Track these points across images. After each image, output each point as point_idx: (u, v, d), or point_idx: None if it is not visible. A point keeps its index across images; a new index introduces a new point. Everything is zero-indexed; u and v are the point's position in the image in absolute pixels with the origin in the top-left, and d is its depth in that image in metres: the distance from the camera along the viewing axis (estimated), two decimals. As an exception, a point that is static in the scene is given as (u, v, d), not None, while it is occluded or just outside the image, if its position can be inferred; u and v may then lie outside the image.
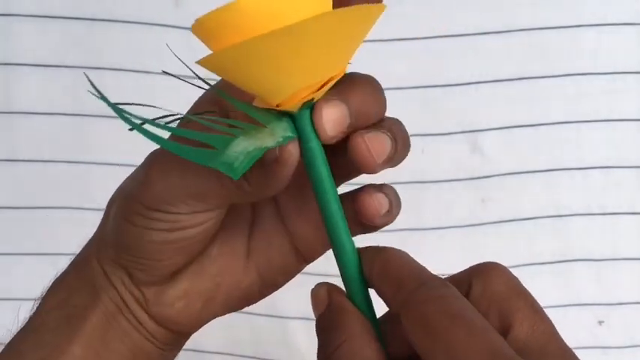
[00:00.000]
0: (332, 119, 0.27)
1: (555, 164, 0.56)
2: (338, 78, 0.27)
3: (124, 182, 0.31)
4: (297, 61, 0.24)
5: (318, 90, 0.26)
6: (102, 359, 0.30)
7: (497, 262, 0.27)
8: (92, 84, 0.24)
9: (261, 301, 0.54)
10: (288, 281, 0.33)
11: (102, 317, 0.30)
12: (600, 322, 0.56)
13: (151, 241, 0.29)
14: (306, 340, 0.55)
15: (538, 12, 0.55)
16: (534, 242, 0.56)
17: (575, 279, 0.56)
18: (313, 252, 0.32)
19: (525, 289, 0.26)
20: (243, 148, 0.25)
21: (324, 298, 0.28)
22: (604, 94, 0.56)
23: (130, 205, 0.29)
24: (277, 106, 0.26)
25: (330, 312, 0.27)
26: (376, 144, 0.28)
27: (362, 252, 0.28)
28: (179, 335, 0.32)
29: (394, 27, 0.56)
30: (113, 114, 0.24)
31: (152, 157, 0.30)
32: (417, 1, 0.56)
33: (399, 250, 0.28)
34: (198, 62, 0.24)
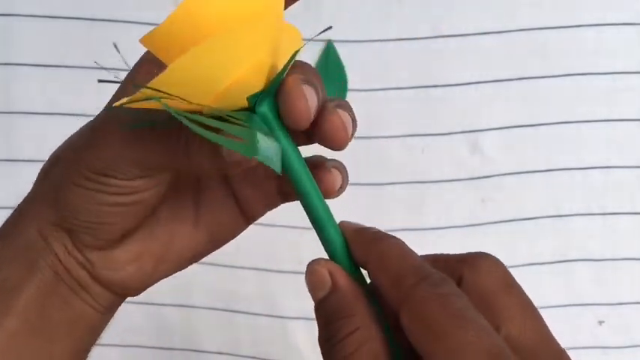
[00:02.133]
0: (308, 103, 0.26)
1: (555, 164, 0.56)
2: (276, 64, 0.26)
3: (67, 140, 0.30)
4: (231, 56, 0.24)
5: (258, 80, 0.25)
6: (39, 331, 0.29)
7: (489, 253, 0.27)
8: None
9: (261, 301, 0.54)
10: (233, 239, 0.33)
11: (39, 287, 0.29)
12: (600, 322, 0.56)
13: (100, 203, 0.28)
14: (306, 340, 0.55)
15: (538, 12, 0.55)
16: (534, 242, 0.56)
17: (576, 279, 0.56)
18: (257, 212, 0.32)
19: (516, 283, 0.26)
20: (268, 143, 0.24)
21: (325, 279, 0.26)
22: (604, 94, 0.56)
23: (79, 168, 0.28)
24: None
25: (337, 297, 0.26)
26: (346, 120, 0.27)
27: (357, 236, 0.27)
28: (124, 297, 0.32)
29: (394, 27, 0.56)
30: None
31: (100, 121, 0.29)
32: (417, 1, 0.56)
33: (396, 239, 0.27)
34: (149, 86, 0.24)
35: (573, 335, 0.55)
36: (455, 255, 0.27)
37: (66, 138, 0.31)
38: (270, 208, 0.33)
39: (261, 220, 0.33)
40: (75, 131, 0.30)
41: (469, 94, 0.56)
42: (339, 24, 0.55)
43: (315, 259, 0.27)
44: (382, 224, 0.57)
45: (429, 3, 0.55)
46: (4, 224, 0.31)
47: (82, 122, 0.30)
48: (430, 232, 0.55)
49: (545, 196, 0.56)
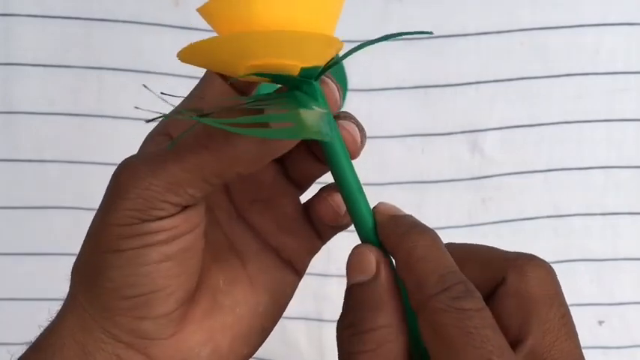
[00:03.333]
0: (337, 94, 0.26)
1: (556, 164, 0.56)
2: (335, 53, 0.26)
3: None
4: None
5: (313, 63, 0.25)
6: None
7: (538, 257, 0.25)
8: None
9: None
10: (292, 296, 0.31)
11: None
12: (600, 322, 0.56)
13: (146, 262, 0.25)
14: (306, 340, 0.55)
15: (538, 12, 0.55)
16: (535, 242, 0.56)
17: (576, 279, 0.56)
18: (301, 261, 0.31)
19: (560, 295, 0.25)
20: (314, 116, 0.24)
21: (371, 265, 0.25)
22: (604, 94, 0.56)
23: (106, 229, 0.25)
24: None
25: (374, 287, 0.25)
26: (354, 131, 0.28)
27: (390, 223, 0.26)
28: None
29: (394, 27, 0.56)
30: (113, 114, 0.24)
31: (117, 178, 0.25)
32: (417, 1, 0.56)
33: (429, 234, 0.25)
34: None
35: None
36: (501, 251, 0.26)
37: (65, 138, 0.29)
38: (313, 254, 0.31)
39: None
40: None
41: (469, 94, 0.56)
42: (339, 24, 0.55)
43: (365, 244, 0.26)
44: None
45: (429, 3, 0.55)
46: (38, 337, 0.26)
47: (82, 122, 0.30)
48: (430, 232, 0.55)
49: (545, 196, 0.56)
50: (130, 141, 0.32)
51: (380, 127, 0.55)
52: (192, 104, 0.27)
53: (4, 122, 0.56)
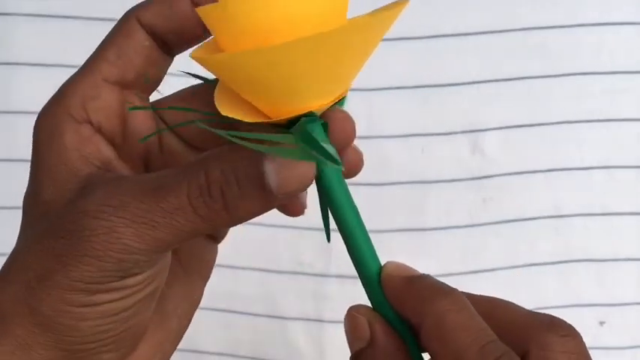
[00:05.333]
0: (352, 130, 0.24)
1: (556, 164, 0.56)
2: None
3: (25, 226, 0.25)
4: (317, 71, 0.22)
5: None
6: None
7: (566, 321, 0.24)
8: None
9: (261, 301, 0.53)
10: (213, 266, 0.30)
11: None
12: (601, 323, 0.56)
13: (121, 311, 0.23)
14: (306, 340, 0.55)
15: (538, 12, 0.55)
16: (535, 242, 0.56)
17: (577, 279, 0.56)
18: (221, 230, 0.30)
19: None
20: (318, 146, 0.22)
21: (364, 330, 0.24)
22: (605, 94, 0.56)
23: (71, 284, 0.22)
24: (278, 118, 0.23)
25: (373, 353, 0.24)
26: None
27: (408, 288, 0.24)
28: None
29: (394, 27, 0.55)
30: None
31: (91, 236, 0.23)
32: (417, 1, 0.56)
33: (455, 296, 0.23)
34: (204, 62, 0.22)
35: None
36: (523, 314, 0.23)
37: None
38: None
39: (261, 220, 0.33)
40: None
41: (469, 93, 0.56)
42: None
43: (356, 305, 0.25)
44: (382, 224, 0.57)
45: (429, 3, 0.55)
46: None
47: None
48: (430, 232, 0.55)
49: (545, 196, 0.56)
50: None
51: (380, 127, 0.55)
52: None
53: (4, 122, 0.56)
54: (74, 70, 0.28)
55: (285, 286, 0.56)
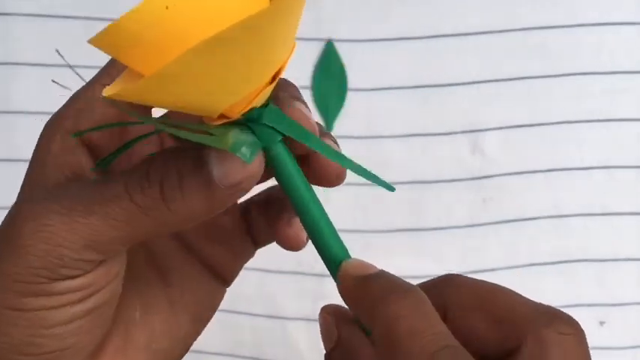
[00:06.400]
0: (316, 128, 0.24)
1: (556, 164, 0.56)
2: (280, 75, 0.23)
3: None
4: (237, 67, 0.20)
5: (258, 94, 0.22)
6: None
7: (569, 316, 0.22)
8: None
9: (261, 301, 0.53)
10: (217, 309, 0.29)
11: None
12: (601, 323, 0.56)
13: (53, 325, 0.21)
14: (306, 340, 0.55)
15: (538, 12, 0.55)
16: (535, 242, 0.56)
17: (577, 279, 0.56)
18: (233, 270, 0.29)
19: None
20: (242, 138, 0.21)
21: (331, 330, 0.24)
22: (605, 94, 0.56)
23: (5, 282, 0.21)
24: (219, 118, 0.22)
25: (342, 350, 0.23)
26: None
27: (358, 291, 0.23)
28: None
29: (394, 27, 0.55)
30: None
31: (17, 228, 0.21)
32: (417, 1, 0.56)
33: (412, 296, 0.22)
34: (110, 96, 0.21)
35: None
36: (523, 305, 0.22)
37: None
38: (246, 261, 0.29)
39: (260, 220, 0.33)
40: None
41: (469, 93, 0.56)
42: (339, 24, 0.55)
43: (327, 305, 0.24)
44: (382, 224, 0.57)
45: (429, 3, 0.55)
46: None
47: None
48: (430, 232, 0.55)
49: (546, 196, 0.56)
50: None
51: (380, 127, 0.55)
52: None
53: (4, 122, 0.56)
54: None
55: (285, 286, 0.56)
